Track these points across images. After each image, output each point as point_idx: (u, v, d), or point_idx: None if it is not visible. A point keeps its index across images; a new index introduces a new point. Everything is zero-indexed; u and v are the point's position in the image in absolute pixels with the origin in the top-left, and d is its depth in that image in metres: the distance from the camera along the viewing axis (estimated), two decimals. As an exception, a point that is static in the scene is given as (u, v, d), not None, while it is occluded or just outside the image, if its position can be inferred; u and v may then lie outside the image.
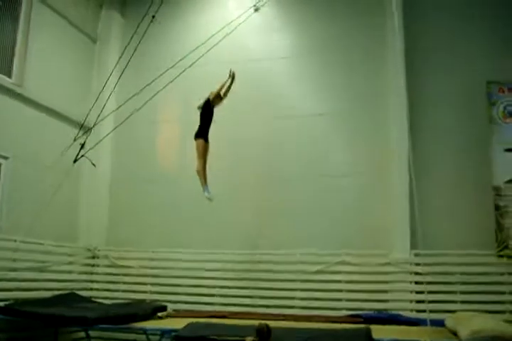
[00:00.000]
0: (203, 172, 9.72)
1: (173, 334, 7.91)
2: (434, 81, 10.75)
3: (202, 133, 9.76)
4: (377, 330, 7.66)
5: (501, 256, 9.59)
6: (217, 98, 9.94)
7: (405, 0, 10.61)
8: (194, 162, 11.09)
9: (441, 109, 10.63)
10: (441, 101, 10.66)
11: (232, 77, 10.03)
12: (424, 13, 11.10)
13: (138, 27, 9.17)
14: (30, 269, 10.00)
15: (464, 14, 10.95)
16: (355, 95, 11.27)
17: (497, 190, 9.68)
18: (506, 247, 9.56)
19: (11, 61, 10.45)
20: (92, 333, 9.73)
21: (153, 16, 9.14)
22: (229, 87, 10.05)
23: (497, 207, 9.67)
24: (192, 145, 10.82)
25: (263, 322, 7.15)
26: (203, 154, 9.76)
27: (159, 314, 9.56)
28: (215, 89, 9.90)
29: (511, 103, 9.92)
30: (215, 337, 7.48)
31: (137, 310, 9.27)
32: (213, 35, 9.93)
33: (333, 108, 11.38)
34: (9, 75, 10.33)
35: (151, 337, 9.71)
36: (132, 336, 10.53)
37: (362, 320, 9.18)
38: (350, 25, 11.53)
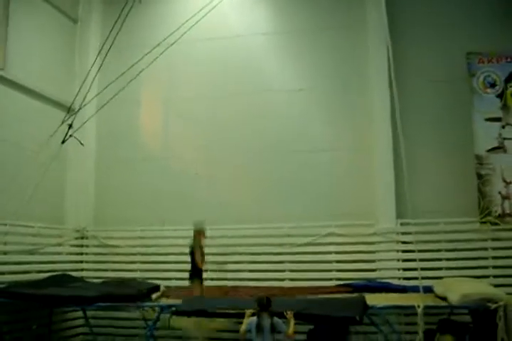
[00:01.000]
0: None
1: (173, 309, 8.04)
2: (416, 55, 10.89)
3: (196, 274, 9.44)
4: (369, 298, 7.90)
5: (484, 223, 9.88)
6: (202, 236, 9.60)
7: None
8: (179, 141, 11.22)
9: (422, 81, 10.81)
10: (422, 73, 10.83)
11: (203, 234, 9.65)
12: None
13: (122, 10, 9.08)
14: (21, 252, 10.06)
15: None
16: (335, 71, 11.40)
17: (479, 158, 9.94)
18: (489, 214, 9.84)
19: (-8, 44, 10.33)
20: (88, 312, 9.83)
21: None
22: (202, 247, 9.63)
23: (479, 176, 9.93)
24: (176, 123, 10.93)
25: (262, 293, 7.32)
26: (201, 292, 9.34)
27: (153, 296, 9.47)
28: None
29: (491, 73, 10.12)
30: (214, 311, 7.66)
31: (132, 290, 9.25)
32: (195, 13, 9.89)
33: (314, 83, 11.49)
34: (-10, 59, 10.21)
35: (147, 314, 9.87)
36: (125, 314, 10.65)
37: (351, 289, 9.41)
38: (332, 2, 11.59)
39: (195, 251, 9.35)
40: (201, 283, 9.38)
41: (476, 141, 9.96)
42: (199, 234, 9.49)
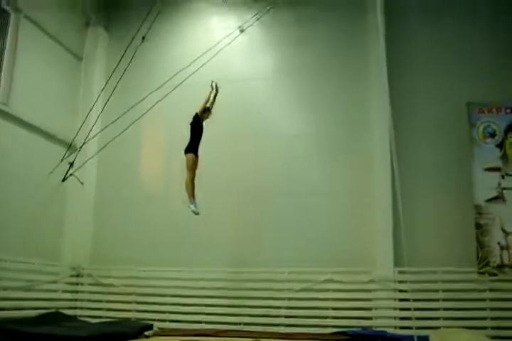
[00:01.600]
0: (191, 186, 9.81)
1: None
2: (416, 103, 11.03)
3: (192, 148, 9.88)
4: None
5: (482, 273, 9.80)
6: (205, 112, 10.10)
7: (387, 24, 10.80)
8: (179, 182, 11.18)
9: (423, 130, 10.90)
10: (423, 123, 10.93)
11: (216, 88, 10.18)
12: (407, 35, 11.42)
13: (127, 49, 9.26)
14: (18, 288, 9.99)
15: (443, 37, 11.29)
16: (336, 116, 11.49)
17: (478, 208, 9.93)
18: (487, 264, 9.78)
19: (-3, 79, 10.50)
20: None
21: (143, 37, 9.24)
22: (214, 99, 10.23)
23: (478, 226, 9.91)
24: (177, 165, 10.93)
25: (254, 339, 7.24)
26: (193, 168, 9.88)
27: (146, 333, 9.55)
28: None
29: (490, 124, 10.20)
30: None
31: (125, 328, 9.27)
32: (200, 56, 10.10)
33: (315, 128, 11.61)
34: (-5, 94, 10.36)
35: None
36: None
37: (348, 337, 9.30)
38: (332, 48, 11.79)
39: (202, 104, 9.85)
40: (196, 155, 9.73)
41: (475, 191, 9.97)
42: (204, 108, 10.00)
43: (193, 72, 9.86)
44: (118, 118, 9.68)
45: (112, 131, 10.06)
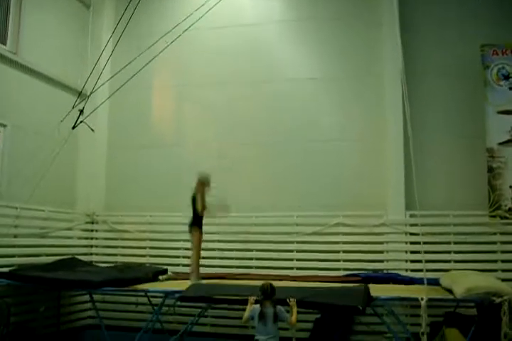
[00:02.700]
0: (196, 268, 9.23)
1: (178, 295, 8.09)
2: (429, 46, 10.85)
3: (197, 222, 9.35)
4: (374, 289, 7.88)
5: (494, 216, 9.83)
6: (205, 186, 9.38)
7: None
8: (191, 127, 11.23)
9: (436, 73, 10.73)
10: (436, 65, 10.77)
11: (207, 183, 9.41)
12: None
13: (134, -6, 9.09)
14: (32, 235, 10.18)
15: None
16: (349, 61, 11.36)
17: (490, 151, 9.86)
18: (498, 208, 9.78)
19: (5, 28, 10.39)
20: (94, 296, 9.89)
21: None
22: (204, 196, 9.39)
23: (490, 169, 9.86)
24: (188, 110, 10.95)
25: (266, 281, 7.32)
26: (199, 246, 9.38)
27: (160, 277, 9.74)
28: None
29: (505, 65, 10.01)
30: (219, 297, 7.70)
31: (139, 273, 9.45)
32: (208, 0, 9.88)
33: (327, 72, 11.44)
34: (4, 43, 10.29)
35: (152, 299, 9.98)
36: (134, 299, 10.79)
37: (360, 278, 9.43)
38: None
39: (197, 199, 9.26)
40: (200, 232, 9.32)
41: (488, 134, 9.88)
42: (202, 183, 9.35)
43: (202, 16, 9.61)
44: (127, 64, 9.54)
45: (121, 77, 9.94)
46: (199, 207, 9.21)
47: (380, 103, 10.84)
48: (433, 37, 10.90)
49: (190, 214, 9.40)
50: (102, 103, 10.39)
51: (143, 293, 9.79)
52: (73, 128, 9.56)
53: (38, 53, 10.86)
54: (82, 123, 9.66)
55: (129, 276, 9.16)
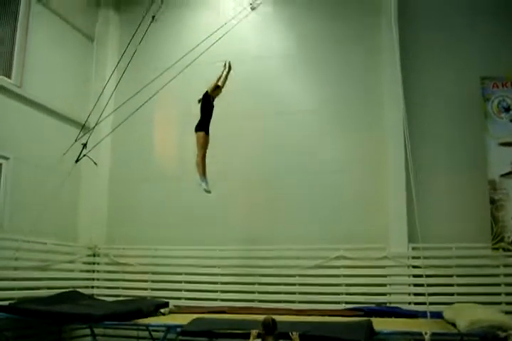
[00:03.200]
0: (202, 164, 9.81)
1: (179, 329, 8.03)
2: (429, 77, 10.88)
3: (202, 126, 9.85)
4: (377, 323, 7.85)
5: (496, 249, 9.75)
6: (216, 89, 10.01)
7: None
8: (193, 161, 11.23)
9: (436, 105, 10.76)
10: (436, 97, 10.80)
11: (229, 67, 10.12)
12: (419, 10, 11.25)
13: (138, 27, 9.25)
14: (33, 268, 10.13)
15: (459, 11, 11.10)
16: (349, 93, 11.39)
17: (492, 183, 9.83)
18: (501, 240, 9.72)
19: (11, 62, 10.53)
20: (96, 330, 9.84)
21: (153, 17, 9.20)
22: (226, 77, 10.11)
23: (492, 201, 9.82)
24: (190, 144, 10.95)
25: (268, 315, 7.28)
26: (203, 146, 9.85)
27: (162, 310, 9.68)
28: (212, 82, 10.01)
29: (505, 98, 10.07)
30: (221, 331, 7.64)
31: (141, 306, 9.38)
32: (211, 34, 10.04)
33: (327, 105, 11.52)
34: (9, 76, 10.40)
35: (154, 333, 9.90)
36: (136, 333, 10.71)
37: (362, 313, 9.37)
38: (345, 24, 11.62)
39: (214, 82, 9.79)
40: (206, 133, 9.74)
41: (489, 166, 9.87)
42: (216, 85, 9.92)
43: (205, 50, 9.81)
44: (130, 98, 9.68)
45: (125, 111, 10.06)
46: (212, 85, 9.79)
47: (381, 135, 10.85)
48: (433, 66, 10.94)
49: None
50: (106, 136, 10.49)
51: (144, 327, 9.69)
52: (77, 161, 9.65)
53: (42, 86, 10.98)
54: (85, 157, 9.76)
55: (130, 309, 9.09)
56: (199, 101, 9.90)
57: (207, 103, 9.90)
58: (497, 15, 10.83)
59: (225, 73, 10.11)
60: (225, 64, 10.12)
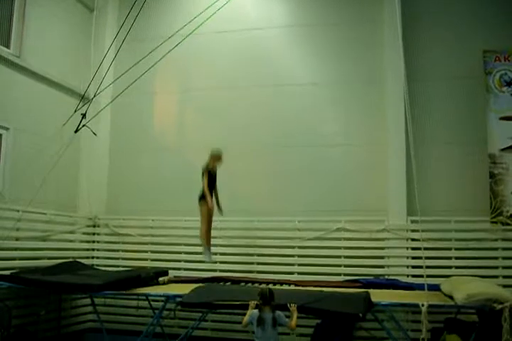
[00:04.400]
0: (206, 237, 9.93)
1: (178, 300, 8.09)
2: (431, 52, 10.83)
3: (205, 196, 9.79)
4: (375, 294, 7.91)
5: (495, 223, 9.82)
6: (216, 159, 9.99)
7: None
8: (193, 132, 11.27)
9: (438, 80, 10.73)
10: (438, 72, 10.76)
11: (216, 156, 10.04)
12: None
13: (137, -1, 9.15)
14: (34, 238, 10.19)
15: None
16: (350, 66, 11.34)
17: (492, 157, 9.86)
18: (500, 214, 9.78)
19: (9, 31, 10.42)
20: (96, 300, 9.91)
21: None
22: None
23: (491, 175, 9.86)
24: (190, 115, 10.97)
25: (265, 286, 7.34)
26: (207, 218, 9.92)
27: (160, 279, 9.73)
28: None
29: (507, 72, 10.01)
30: (219, 303, 7.69)
31: (140, 273, 9.41)
32: (211, 4, 9.88)
33: (329, 78, 11.46)
34: (7, 46, 10.31)
35: (153, 303, 9.99)
36: (135, 302, 10.87)
37: (361, 284, 9.43)
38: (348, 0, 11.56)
39: (204, 174, 9.80)
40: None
41: (490, 140, 9.88)
42: (213, 158, 9.90)
43: (205, 21, 9.66)
44: (130, 68, 9.57)
45: (124, 81, 9.97)
46: (205, 185, 9.79)
47: (382, 109, 10.83)
48: (435, 41, 10.88)
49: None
50: (105, 107, 10.41)
51: (144, 297, 9.77)
52: (75, 132, 9.60)
53: (41, 57, 10.88)
54: (84, 127, 9.71)
55: (129, 276, 9.15)
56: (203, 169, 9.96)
57: (208, 177, 9.88)
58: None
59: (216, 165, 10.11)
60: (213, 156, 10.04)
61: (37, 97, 10.76)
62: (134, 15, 9.39)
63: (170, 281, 9.88)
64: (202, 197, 9.82)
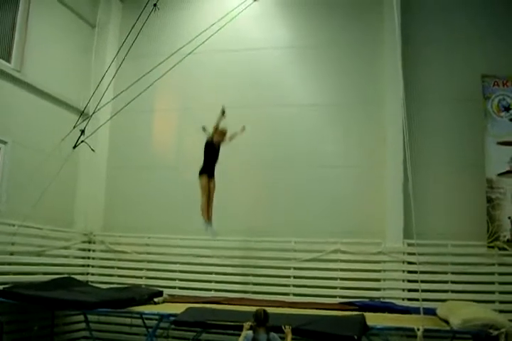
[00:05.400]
0: (206, 210, 9.82)
1: (172, 319, 8.04)
2: (430, 74, 10.92)
3: (205, 169, 9.80)
4: (370, 318, 7.88)
5: (492, 247, 9.82)
6: (220, 134, 9.90)
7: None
8: (191, 150, 11.24)
9: (437, 102, 10.81)
10: (437, 95, 10.84)
11: (222, 111, 9.90)
12: (422, 8, 11.27)
13: (140, 15, 9.20)
14: (29, 253, 10.14)
15: (461, 10, 11.09)
16: (351, 88, 11.42)
17: (489, 182, 9.88)
18: (497, 239, 9.78)
19: (11, 46, 10.48)
20: (90, 317, 9.84)
21: (155, 5, 9.11)
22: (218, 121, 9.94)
23: (489, 199, 9.87)
24: (189, 133, 10.97)
25: (260, 307, 7.30)
26: (206, 190, 9.82)
27: (155, 299, 9.67)
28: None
29: (505, 97, 10.07)
30: (213, 323, 7.65)
31: (134, 294, 9.37)
32: (213, 23, 9.93)
33: (328, 99, 11.52)
34: (8, 60, 10.36)
35: (147, 321, 9.92)
36: (129, 320, 10.75)
37: (356, 307, 9.37)
38: (349, 18, 11.63)
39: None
40: (209, 178, 9.77)
41: (487, 164, 9.92)
42: (218, 133, 9.83)
43: (206, 39, 9.70)
44: (130, 85, 9.60)
45: (124, 98, 9.99)
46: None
47: (381, 131, 10.88)
48: (435, 63, 10.98)
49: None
50: (104, 123, 10.44)
51: (138, 315, 9.71)
52: (74, 147, 9.60)
53: (41, 72, 10.93)
54: (82, 143, 9.71)
55: (124, 297, 9.09)
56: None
57: (210, 149, 9.86)
58: (500, 14, 10.85)
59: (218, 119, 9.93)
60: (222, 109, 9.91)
61: (36, 112, 10.80)
62: (135, 32, 9.47)
63: (164, 302, 9.80)
64: (202, 170, 9.77)
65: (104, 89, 9.81)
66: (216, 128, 9.85)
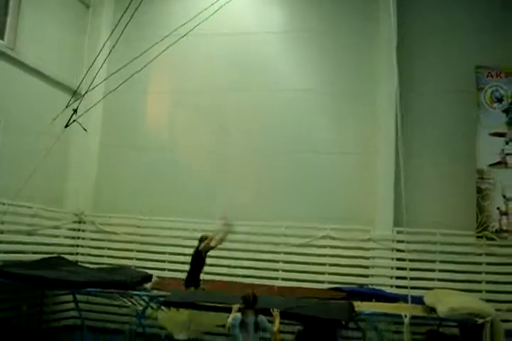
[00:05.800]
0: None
1: (162, 299, 8.08)
2: (424, 65, 10.95)
3: (191, 281, 9.17)
4: (358, 304, 7.98)
5: (480, 237, 9.91)
6: (210, 241, 9.38)
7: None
8: (183, 131, 11.21)
9: (431, 93, 10.84)
10: (431, 85, 10.88)
11: (228, 225, 9.52)
12: (416, 1, 11.25)
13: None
14: (19, 232, 10.14)
15: (457, 1, 11.09)
16: (344, 74, 11.43)
17: (480, 173, 9.95)
18: (486, 229, 9.87)
19: (4, 23, 10.40)
20: (79, 297, 9.84)
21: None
22: (223, 238, 9.53)
23: (479, 190, 9.96)
24: (181, 114, 10.93)
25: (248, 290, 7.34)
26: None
27: (145, 286, 9.59)
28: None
29: (498, 88, 10.11)
30: (202, 304, 7.68)
31: (125, 277, 9.33)
32: (209, 5, 9.89)
33: (322, 85, 11.52)
34: (2, 37, 10.29)
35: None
36: (119, 301, 10.72)
37: (345, 294, 9.41)
38: (345, 6, 11.59)
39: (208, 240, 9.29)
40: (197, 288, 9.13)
41: (478, 155, 9.98)
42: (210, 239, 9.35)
43: (200, 23, 9.66)
44: (124, 66, 9.50)
45: (117, 78, 9.93)
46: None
47: (373, 119, 10.92)
48: (429, 54, 11.00)
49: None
50: (96, 103, 10.33)
51: (127, 296, 9.70)
52: (66, 127, 9.54)
53: (35, 50, 10.84)
54: (75, 123, 9.66)
55: (114, 279, 9.11)
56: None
57: (198, 258, 9.36)
58: (496, 6, 10.83)
59: (222, 234, 9.51)
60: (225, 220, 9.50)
61: (29, 91, 10.73)
62: (130, 13, 9.38)
63: (153, 289, 9.66)
64: (187, 283, 9.06)
65: (97, 68, 9.76)
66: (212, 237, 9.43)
